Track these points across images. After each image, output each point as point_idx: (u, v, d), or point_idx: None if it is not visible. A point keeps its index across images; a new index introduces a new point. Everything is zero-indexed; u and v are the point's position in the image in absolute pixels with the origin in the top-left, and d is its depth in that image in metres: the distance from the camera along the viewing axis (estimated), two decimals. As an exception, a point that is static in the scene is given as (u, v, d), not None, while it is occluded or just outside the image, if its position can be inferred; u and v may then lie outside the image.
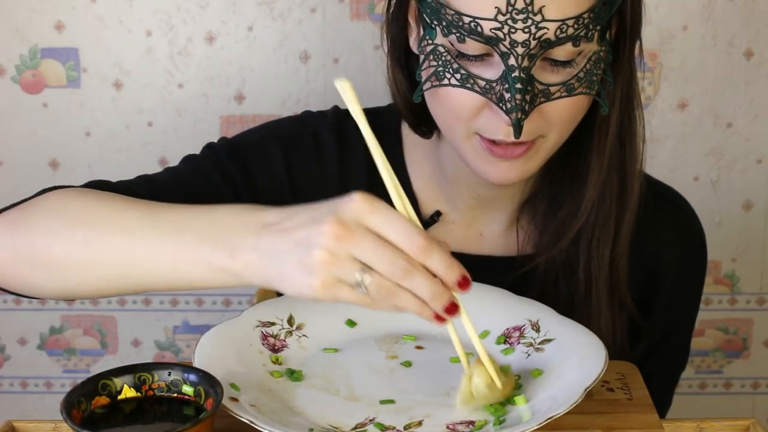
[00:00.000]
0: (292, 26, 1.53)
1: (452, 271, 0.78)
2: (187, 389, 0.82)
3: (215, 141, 1.13)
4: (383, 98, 1.11)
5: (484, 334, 0.97)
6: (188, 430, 0.75)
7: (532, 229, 1.09)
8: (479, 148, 0.97)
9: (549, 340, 0.93)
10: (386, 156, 1.06)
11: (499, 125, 0.93)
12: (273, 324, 0.96)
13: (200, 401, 0.81)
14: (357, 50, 1.54)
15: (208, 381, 0.81)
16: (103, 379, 0.81)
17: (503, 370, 0.87)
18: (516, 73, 0.90)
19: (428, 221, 1.11)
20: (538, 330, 0.95)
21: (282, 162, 1.10)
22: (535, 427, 0.78)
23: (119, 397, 0.81)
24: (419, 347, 0.96)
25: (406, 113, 1.06)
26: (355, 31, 1.54)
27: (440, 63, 0.94)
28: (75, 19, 1.51)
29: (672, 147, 1.57)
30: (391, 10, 1.02)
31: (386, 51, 1.05)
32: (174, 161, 1.15)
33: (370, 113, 1.15)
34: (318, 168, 1.11)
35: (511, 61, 0.90)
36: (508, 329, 0.96)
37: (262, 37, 1.53)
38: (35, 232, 0.90)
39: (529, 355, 0.93)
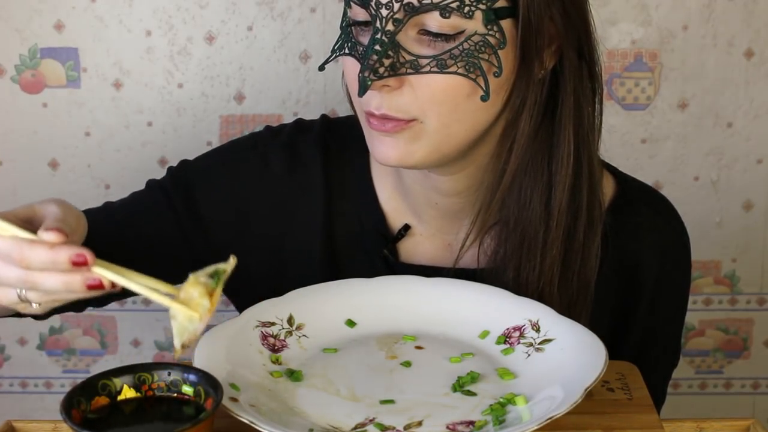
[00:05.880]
0: (292, 26, 1.53)
1: (59, 260, 0.76)
2: (187, 389, 0.82)
3: (177, 163, 1.15)
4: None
5: (484, 334, 0.97)
6: (188, 430, 0.75)
7: (492, 238, 1.06)
8: (366, 123, 0.98)
9: (549, 340, 0.93)
10: (352, 168, 1.06)
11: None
12: (273, 324, 0.96)
13: (200, 401, 0.81)
14: (357, 50, 1.54)
15: (207, 381, 0.81)
16: (103, 379, 0.81)
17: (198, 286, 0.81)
18: (378, 35, 0.92)
19: (397, 236, 1.10)
20: (538, 330, 0.95)
21: (227, 188, 1.11)
22: (535, 427, 0.78)
23: (119, 398, 0.81)
24: (419, 347, 0.96)
25: (352, 110, 1.06)
26: (355, 31, 1.54)
27: (342, 35, 0.98)
28: (75, 18, 1.51)
29: (672, 147, 1.57)
30: None
31: None
32: (174, 161, 1.15)
33: (341, 123, 1.15)
34: (266, 190, 1.11)
35: (377, 23, 0.92)
36: (508, 329, 0.96)
37: (262, 37, 1.53)
38: None
39: (529, 355, 0.93)
